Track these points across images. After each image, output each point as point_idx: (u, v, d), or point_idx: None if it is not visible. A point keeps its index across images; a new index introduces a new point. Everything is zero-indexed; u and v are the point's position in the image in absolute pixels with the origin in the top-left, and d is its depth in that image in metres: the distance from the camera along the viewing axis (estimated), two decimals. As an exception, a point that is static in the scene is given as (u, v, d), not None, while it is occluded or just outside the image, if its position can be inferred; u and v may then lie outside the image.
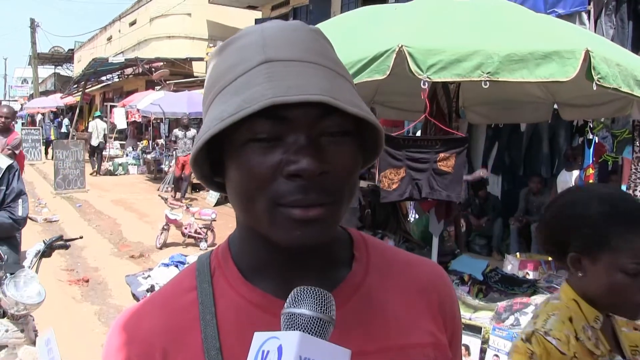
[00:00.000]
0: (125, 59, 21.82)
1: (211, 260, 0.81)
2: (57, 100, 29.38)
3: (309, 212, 0.66)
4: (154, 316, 0.77)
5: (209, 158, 0.74)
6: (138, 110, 16.85)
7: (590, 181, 4.81)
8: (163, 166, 15.19)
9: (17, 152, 6.44)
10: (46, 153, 15.22)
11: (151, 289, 5.68)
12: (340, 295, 0.76)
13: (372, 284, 0.81)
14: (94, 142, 16.93)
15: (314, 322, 0.62)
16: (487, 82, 3.02)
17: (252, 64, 0.68)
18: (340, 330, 0.71)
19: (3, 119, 6.22)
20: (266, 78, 0.65)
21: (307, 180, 0.65)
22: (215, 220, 8.36)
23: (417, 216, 6.49)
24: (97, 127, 17.10)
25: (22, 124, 31.08)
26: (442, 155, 3.66)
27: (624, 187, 6.35)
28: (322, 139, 0.68)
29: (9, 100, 50.89)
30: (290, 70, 0.66)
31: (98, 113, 19.55)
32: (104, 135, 17.34)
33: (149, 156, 17.14)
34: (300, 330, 0.61)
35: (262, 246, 0.75)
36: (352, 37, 3.61)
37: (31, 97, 36.97)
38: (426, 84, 3.06)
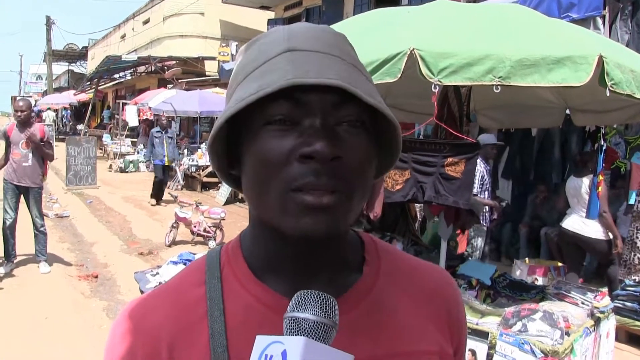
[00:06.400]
0: (138, 57, 22.00)
1: (221, 255, 0.81)
2: (70, 97, 29.59)
3: (321, 199, 0.65)
4: (162, 309, 0.76)
5: (225, 151, 0.75)
6: (150, 108, 16.93)
7: (600, 188, 4.77)
8: (173, 164, 15.22)
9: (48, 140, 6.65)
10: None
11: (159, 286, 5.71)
12: (350, 299, 0.76)
13: (382, 289, 0.80)
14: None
15: (317, 327, 0.61)
16: (499, 87, 3.01)
17: (275, 53, 0.69)
18: (348, 334, 0.72)
19: (20, 113, 6.36)
20: (287, 63, 0.66)
21: (320, 163, 0.65)
22: (224, 219, 8.40)
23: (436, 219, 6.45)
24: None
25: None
26: (450, 160, 3.60)
27: (632, 193, 6.31)
28: (337, 127, 0.68)
29: (23, 96, 51.43)
30: (311, 58, 0.67)
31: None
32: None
33: (160, 154, 17.19)
34: (303, 335, 0.60)
35: (273, 243, 0.75)
36: (364, 39, 3.60)
37: (45, 93, 37.27)
38: (437, 87, 3.05)
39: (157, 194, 11.81)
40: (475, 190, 5.93)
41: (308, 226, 0.66)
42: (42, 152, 6.44)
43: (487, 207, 6.33)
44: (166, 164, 12.07)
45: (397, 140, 0.76)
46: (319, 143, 0.64)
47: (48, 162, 6.74)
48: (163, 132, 12.06)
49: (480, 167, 5.95)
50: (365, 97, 0.65)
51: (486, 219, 6.39)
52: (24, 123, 6.41)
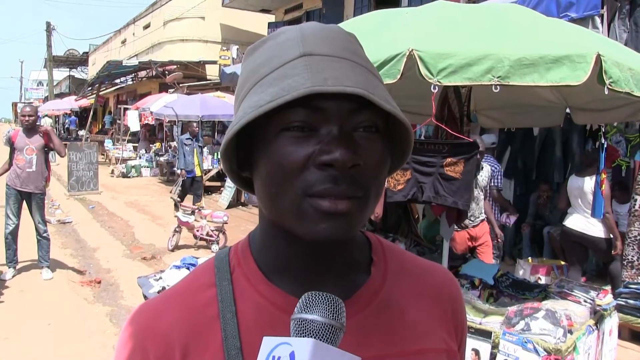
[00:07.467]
0: (139, 62, 22.00)
1: (230, 257, 0.81)
2: (71, 103, 29.66)
3: (337, 205, 0.66)
4: (173, 311, 0.76)
5: (237, 152, 0.75)
6: (151, 112, 16.95)
7: (603, 186, 4.76)
8: (175, 168, 15.23)
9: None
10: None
11: (162, 290, 5.71)
12: (360, 299, 0.77)
13: (390, 289, 0.81)
14: None
15: (325, 329, 0.61)
16: (498, 86, 3.01)
17: (291, 57, 0.68)
18: (358, 334, 0.73)
19: (27, 118, 6.43)
20: (304, 69, 0.66)
21: (339, 170, 0.65)
22: (227, 223, 8.40)
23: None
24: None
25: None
26: (448, 160, 3.59)
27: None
28: (354, 133, 0.68)
29: (24, 103, 51.66)
30: (327, 64, 0.66)
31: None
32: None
33: (161, 158, 17.23)
34: (311, 336, 0.61)
35: (284, 244, 0.75)
36: (363, 41, 3.55)
37: (46, 99, 37.36)
38: (436, 87, 3.06)
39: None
40: (500, 186, 6.38)
41: (323, 232, 0.67)
42: (57, 144, 6.53)
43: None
44: (197, 174, 10.70)
45: (408, 142, 0.76)
46: (339, 151, 0.65)
47: (51, 168, 6.76)
48: (193, 140, 10.70)
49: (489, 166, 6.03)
50: (382, 103, 0.65)
51: (508, 221, 6.59)
52: (31, 128, 6.47)
